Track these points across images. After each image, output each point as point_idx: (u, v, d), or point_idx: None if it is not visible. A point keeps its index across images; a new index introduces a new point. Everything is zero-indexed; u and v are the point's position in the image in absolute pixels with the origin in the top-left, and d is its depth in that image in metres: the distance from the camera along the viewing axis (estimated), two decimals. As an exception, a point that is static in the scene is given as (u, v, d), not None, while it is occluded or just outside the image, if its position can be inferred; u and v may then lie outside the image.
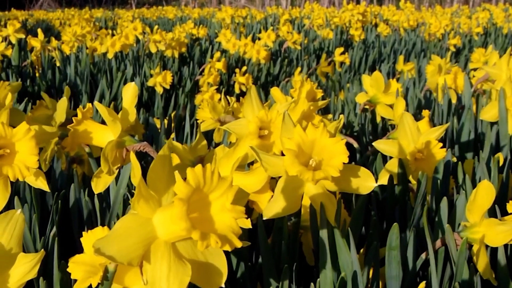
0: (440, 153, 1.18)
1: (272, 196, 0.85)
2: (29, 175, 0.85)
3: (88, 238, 0.78)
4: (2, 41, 3.58)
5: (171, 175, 0.61)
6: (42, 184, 0.91)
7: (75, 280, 0.77)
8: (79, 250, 0.80)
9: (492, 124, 1.58)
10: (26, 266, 0.62)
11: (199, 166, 0.57)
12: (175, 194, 0.55)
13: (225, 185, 0.58)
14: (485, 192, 0.93)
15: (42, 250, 0.64)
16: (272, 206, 0.84)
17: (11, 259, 0.62)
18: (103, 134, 0.98)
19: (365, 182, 0.88)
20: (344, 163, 0.82)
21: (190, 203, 0.56)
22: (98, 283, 0.73)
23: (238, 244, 0.56)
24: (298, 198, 0.87)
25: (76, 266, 0.77)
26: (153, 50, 3.87)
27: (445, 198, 1.05)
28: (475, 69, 2.93)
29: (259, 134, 1.05)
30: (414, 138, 1.19)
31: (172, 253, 0.58)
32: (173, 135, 1.50)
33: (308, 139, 0.86)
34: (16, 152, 0.85)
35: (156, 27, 4.15)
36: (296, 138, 0.85)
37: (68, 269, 0.77)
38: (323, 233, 0.88)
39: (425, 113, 1.73)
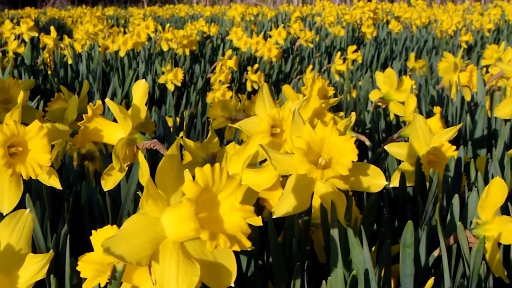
0: (452, 155, 1.18)
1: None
2: (42, 173, 0.85)
3: (98, 237, 0.78)
4: (15, 39, 3.62)
5: (179, 175, 0.61)
6: (54, 182, 0.91)
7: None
8: (91, 247, 0.80)
9: (506, 121, 1.57)
10: (35, 266, 0.61)
11: (207, 165, 0.56)
12: (184, 194, 0.55)
13: (234, 185, 0.58)
14: (497, 189, 0.92)
15: (51, 250, 0.63)
16: (281, 205, 0.84)
17: (20, 260, 0.62)
18: (113, 131, 0.98)
19: (375, 181, 0.87)
20: (353, 162, 0.81)
21: (199, 203, 0.55)
22: (107, 282, 0.73)
23: (247, 244, 0.56)
24: (308, 196, 0.87)
25: (86, 265, 0.77)
26: (165, 48, 3.88)
27: (456, 195, 1.05)
28: (487, 66, 2.91)
29: (271, 132, 1.05)
30: (427, 141, 1.19)
31: (181, 253, 0.57)
32: (182, 134, 1.50)
33: (318, 137, 0.85)
34: (29, 150, 0.85)
35: (167, 25, 4.15)
36: (306, 137, 0.85)
37: (77, 268, 0.77)
38: (334, 231, 0.88)
39: (437, 109, 1.72)
